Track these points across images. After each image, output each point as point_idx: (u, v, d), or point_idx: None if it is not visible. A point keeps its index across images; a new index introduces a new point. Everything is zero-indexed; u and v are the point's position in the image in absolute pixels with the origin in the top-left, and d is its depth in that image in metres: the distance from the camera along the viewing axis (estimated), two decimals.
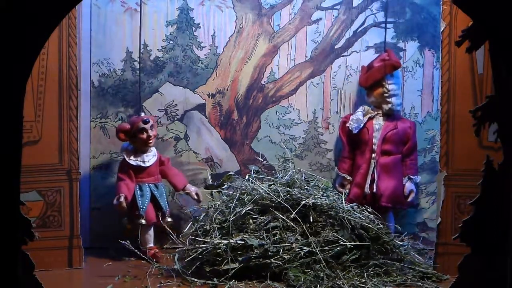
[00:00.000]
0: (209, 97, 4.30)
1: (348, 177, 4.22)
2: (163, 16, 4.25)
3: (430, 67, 4.34)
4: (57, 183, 3.76)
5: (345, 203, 3.73)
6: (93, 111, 4.22)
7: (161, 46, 4.25)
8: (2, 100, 1.94)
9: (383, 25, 4.30)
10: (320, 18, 4.31)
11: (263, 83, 4.31)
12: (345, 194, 3.95)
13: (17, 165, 2.00)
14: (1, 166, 1.96)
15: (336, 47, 4.32)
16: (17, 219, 2.05)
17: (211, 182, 4.14)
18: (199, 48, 4.27)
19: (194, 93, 4.28)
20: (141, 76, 4.23)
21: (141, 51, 4.19)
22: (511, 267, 2.12)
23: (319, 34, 4.31)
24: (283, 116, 4.33)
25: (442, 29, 3.66)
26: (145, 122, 3.98)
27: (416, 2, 4.30)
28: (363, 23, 4.32)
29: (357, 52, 4.32)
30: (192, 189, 4.14)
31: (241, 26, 4.28)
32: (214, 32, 4.28)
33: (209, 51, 4.28)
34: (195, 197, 4.12)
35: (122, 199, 3.90)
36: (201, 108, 4.30)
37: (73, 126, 3.76)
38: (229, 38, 4.28)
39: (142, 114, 4.08)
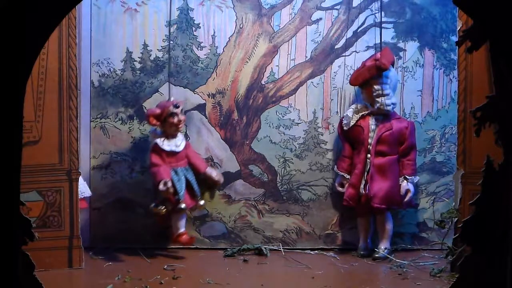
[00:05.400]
0: (209, 97, 4.29)
1: (347, 176, 4.21)
2: (163, 16, 4.25)
3: (430, 67, 4.33)
4: (57, 183, 3.76)
5: None
6: (93, 111, 4.22)
7: (161, 46, 4.25)
8: (2, 100, 1.94)
9: (383, 25, 4.30)
10: (320, 18, 4.31)
11: (263, 83, 4.31)
12: None
13: (17, 165, 2.00)
14: (1, 166, 1.96)
15: (336, 47, 4.32)
16: (17, 219, 2.05)
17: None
18: (199, 48, 4.27)
19: (194, 93, 4.29)
20: (141, 76, 4.24)
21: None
22: (511, 267, 2.12)
23: (319, 34, 4.31)
24: (283, 116, 4.32)
25: (459, 27, 3.65)
26: (176, 106, 3.96)
27: (416, 2, 4.30)
28: (363, 23, 4.31)
29: (357, 52, 4.31)
30: (213, 172, 4.16)
31: (241, 26, 4.28)
32: (214, 32, 4.28)
33: (209, 51, 4.28)
34: (216, 178, 4.14)
35: (169, 184, 3.90)
36: (201, 108, 4.30)
37: (73, 126, 3.76)
38: (229, 38, 4.28)
39: (172, 99, 4.06)
